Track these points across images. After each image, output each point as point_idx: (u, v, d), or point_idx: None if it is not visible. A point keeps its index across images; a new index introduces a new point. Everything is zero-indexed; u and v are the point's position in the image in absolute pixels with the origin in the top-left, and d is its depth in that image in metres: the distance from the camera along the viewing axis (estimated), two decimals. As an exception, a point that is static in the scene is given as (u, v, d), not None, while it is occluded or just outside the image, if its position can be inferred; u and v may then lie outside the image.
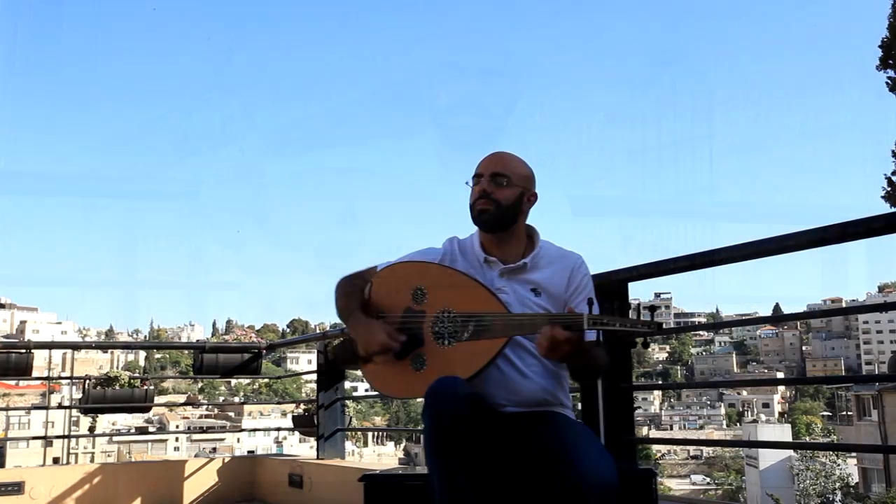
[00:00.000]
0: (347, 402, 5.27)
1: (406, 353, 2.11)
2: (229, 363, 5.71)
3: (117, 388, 5.34)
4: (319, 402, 5.13)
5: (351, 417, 5.49)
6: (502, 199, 2.17)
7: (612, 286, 3.03)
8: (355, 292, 2.24)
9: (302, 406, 5.79)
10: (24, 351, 4.98)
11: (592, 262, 2.31)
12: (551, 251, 2.25)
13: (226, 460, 5.42)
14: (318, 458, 5.08)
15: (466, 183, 2.23)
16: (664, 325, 2.05)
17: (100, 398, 5.31)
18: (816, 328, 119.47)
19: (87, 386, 5.32)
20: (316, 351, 5.29)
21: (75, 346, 6.36)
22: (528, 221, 2.27)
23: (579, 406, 3.09)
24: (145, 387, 5.46)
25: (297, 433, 6.11)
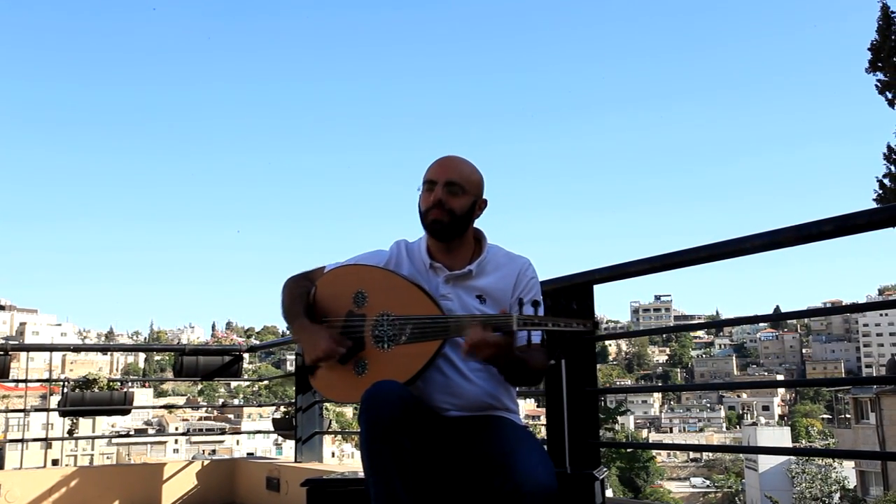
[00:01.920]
0: (326, 404, 5.26)
1: (349, 357, 2.10)
2: (210, 366, 5.70)
3: (96, 390, 5.33)
4: (297, 404, 5.13)
5: (331, 420, 5.47)
6: (457, 208, 2.13)
7: (576, 289, 3.04)
8: (301, 294, 2.22)
9: (282, 409, 5.78)
10: (1, 353, 4.97)
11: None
12: (499, 256, 2.21)
13: (205, 463, 5.41)
14: (295, 461, 5.07)
15: (417, 189, 2.19)
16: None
17: (78, 401, 5.29)
18: (816, 331, 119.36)
19: (65, 389, 5.32)
20: (295, 354, 5.28)
21: (52, 349, 6.34)
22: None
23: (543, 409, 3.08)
24: (124, 389, 5.45)
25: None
